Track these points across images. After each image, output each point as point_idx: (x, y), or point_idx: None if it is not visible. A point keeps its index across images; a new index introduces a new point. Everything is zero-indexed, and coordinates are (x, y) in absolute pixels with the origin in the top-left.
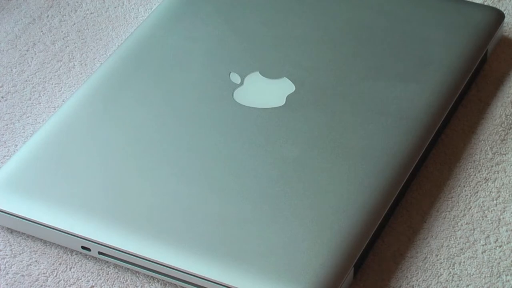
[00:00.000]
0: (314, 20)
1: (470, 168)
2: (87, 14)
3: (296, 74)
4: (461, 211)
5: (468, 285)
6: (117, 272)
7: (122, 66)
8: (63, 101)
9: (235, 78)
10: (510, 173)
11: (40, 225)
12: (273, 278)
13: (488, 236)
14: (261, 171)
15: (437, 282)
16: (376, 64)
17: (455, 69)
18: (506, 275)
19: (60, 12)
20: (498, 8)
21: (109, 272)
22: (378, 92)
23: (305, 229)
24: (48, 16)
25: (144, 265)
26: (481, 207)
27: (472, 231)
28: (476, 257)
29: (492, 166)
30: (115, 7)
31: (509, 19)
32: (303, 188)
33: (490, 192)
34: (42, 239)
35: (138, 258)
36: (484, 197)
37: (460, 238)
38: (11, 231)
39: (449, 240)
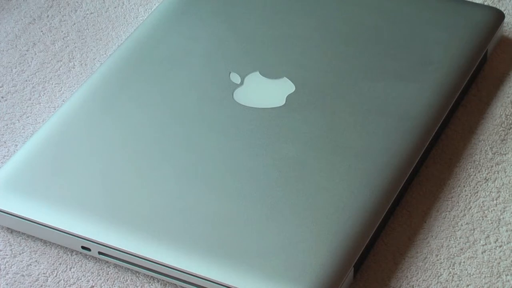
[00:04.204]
0: (314, 20)
1: (470, 168)
2: (87, 14)
3: (296, 74)
4: (461, 211)
5: (468, 285)
6: (117, 272)
7: (122, 66)
8: (63, 101)
9: (235, 78)
10: (510, 173)
11: (40, 225)
12: (273, 278)
13: (488, 236)
14: (260, 171)
15: (437, 282)
16: (376, 64)
17: (455, 69)
18: (506, 275)
19: (60, 12)
20: (498, 8)
21: (109, 272)
22: (378, 92)
23: (305, 229)
24: (48, 16)
25: (144, 265)
26: (481, 207)
27: (472, 231)
28: (476, 257)
29: (492, 166)
30: (115, 7)
31: (509, 19)
32: (303, 188)
33: (490, 192)
34: (42, 239)
35: (138, 258)
36: (484, 197)
37: (460, 238)
38: (11, 231)
39: (449, 240)
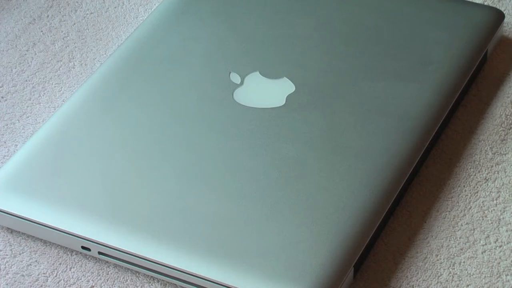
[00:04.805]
0: (314, 20)
1: (470, 168)
2: (87, 14)
3: (296, 74)
4: (461, 211)
5: (468, 285)
6: (117, 272)
7: (122, 66)
8: (63, 101)
9: (235, 78)
10: (510, 173)
11: (40, 225)
12: (273, 278)
13: (488, 236)
14: (260, 171)
15: (437, 282)
16: (376, 64)
17: (455, 69)
18: (506, 275)
19: (60, 12)
20: (498, 8)
21: (109, 272)
22: (378, 92)
23: (305, 229)
24: (48, 16)
25: (144, 265)
26: (481, 207)
27: (472, 231)
28: (476, 257)
29: (492, 166)
30: (115, 7)
31: (509, 19)
32: (303, 188)
33: (490, 192)
34: (42, 239)
35: (138, 258)
36: (484, 197)
37: (460, 238)
38: (11, 231)
39: (449, 240)
